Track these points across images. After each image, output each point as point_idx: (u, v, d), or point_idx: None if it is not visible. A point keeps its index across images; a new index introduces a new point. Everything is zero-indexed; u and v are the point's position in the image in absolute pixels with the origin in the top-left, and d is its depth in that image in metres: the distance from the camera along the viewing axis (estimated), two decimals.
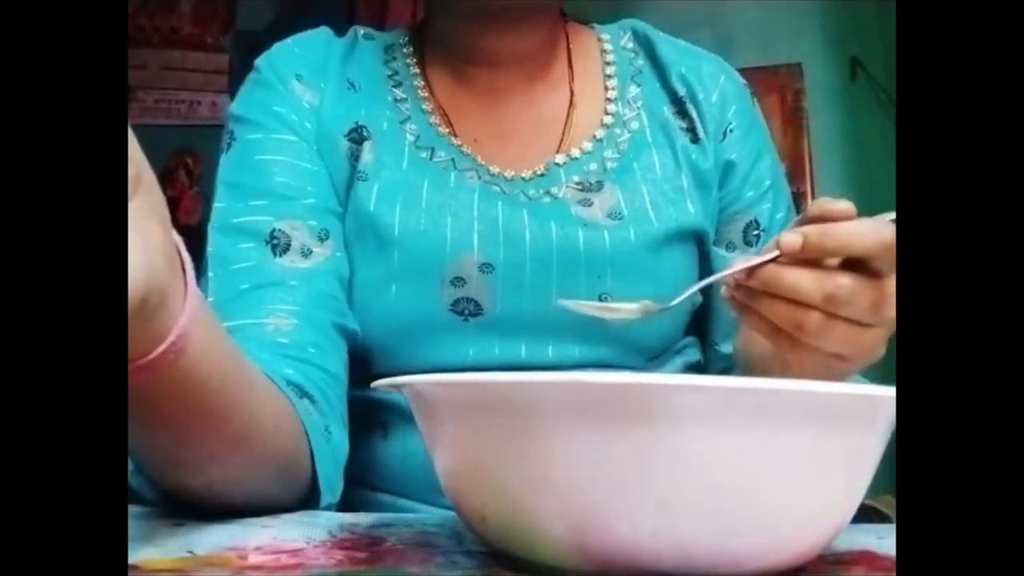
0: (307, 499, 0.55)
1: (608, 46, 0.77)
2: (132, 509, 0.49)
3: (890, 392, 0.33)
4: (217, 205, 0.67)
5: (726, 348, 0.73)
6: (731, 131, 0.74)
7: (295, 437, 0.53)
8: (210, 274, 0.63)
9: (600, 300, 0.66)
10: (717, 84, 0.75)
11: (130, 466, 0.50)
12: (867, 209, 0.78)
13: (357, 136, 0.70)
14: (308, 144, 0.69)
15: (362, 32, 0.77)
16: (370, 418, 0.69)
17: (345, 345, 0.65)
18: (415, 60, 0.75)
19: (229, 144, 0.69)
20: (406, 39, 0.77)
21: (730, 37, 2.36)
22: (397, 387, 0.40)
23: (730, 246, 0.73)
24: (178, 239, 0.37)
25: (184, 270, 0.37)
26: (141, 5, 2.47)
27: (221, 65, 2.52)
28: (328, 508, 0.56)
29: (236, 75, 2.54)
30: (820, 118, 2.38)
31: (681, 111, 0.74)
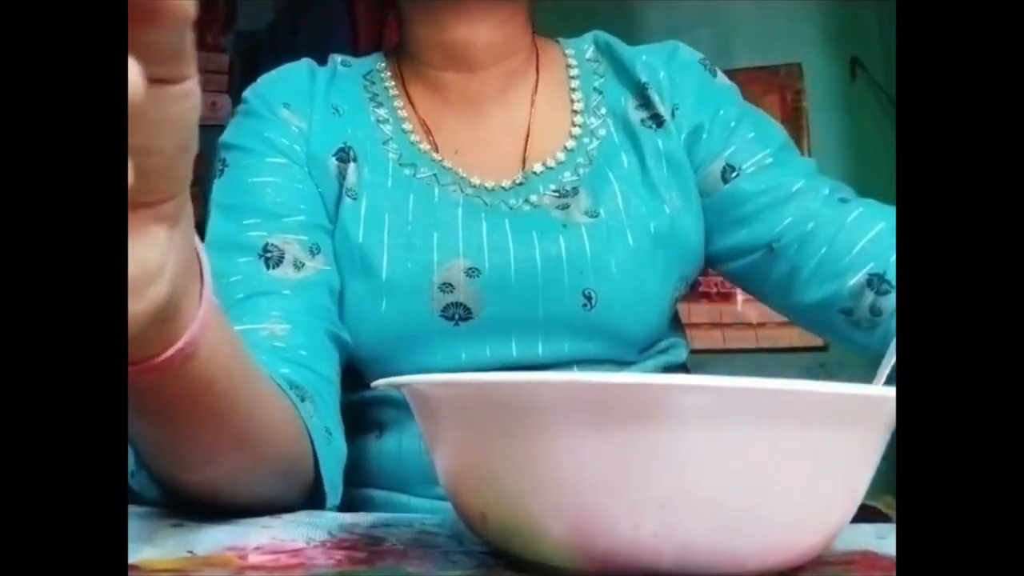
0: (309, 500, 0.55)
1: (572, 60, 0.80)
2: (132, 509, 0.49)
3: (890, 392, 0.33)
4: (211, 225, 0.69)
5: (811, 297, 0.70)
6: (686, 100, 0.76)
7: (298, 438, 0.54)
8: None
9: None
10: (671, 60, 0.78)
11: (129, 467, 0.51)
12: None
13: (344, 156, 0.73)
14: (299, 166, 0.72)
15: (340, 60, 0.80)
16: (365, 419, 0.71)
17: (337, 353, 0.66)
18: (394, 83, 0.78)
19: (221, 171, 0.71)
20: (383, 64, 0.80)
21: (730, 37, 2.36)
22: (397, 387, 0.40)
23: (708, 194, 0.74)
24: (198, 244, 0.38)
25: (202, 275, 0.38)
26: None
27: (221, 65, 2.51)
28: (331, 509, 0.56)
29: (236, 75, 2.54)
30: (820, 118, 2.39)
31: (644, 101, 0.76)
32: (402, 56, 0.79)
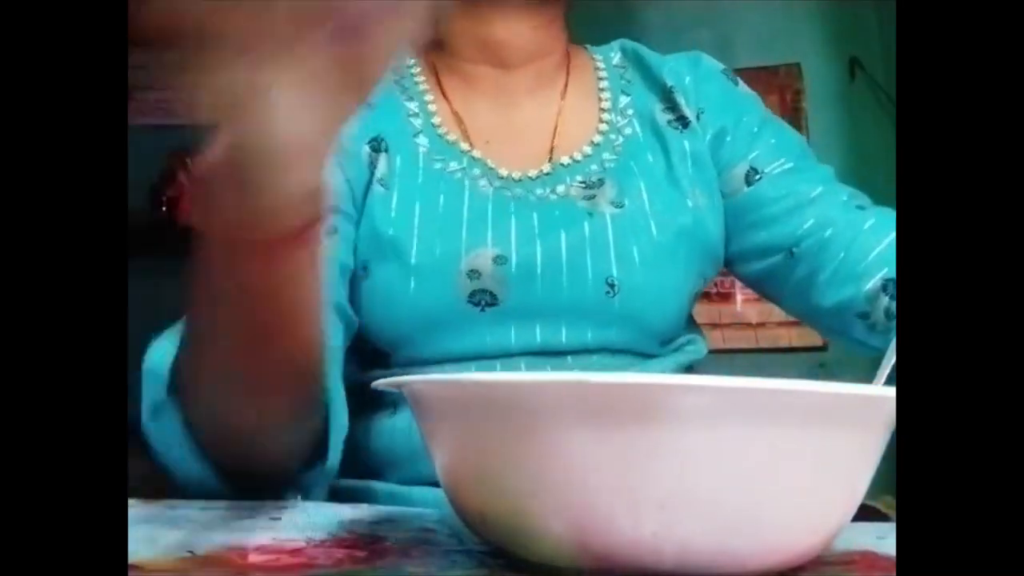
0: (311, 461, 0.57)
1: (601, 64, 0.83)
2: (132, 509, 0.49)
3: (890, 392, 0.33)
4: None
5: (829, 301, 0.73)
6: (711, 105, 0.79)
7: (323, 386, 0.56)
8: None
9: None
10: (696, 67, 0.81)
11: (150, 402, 0.52)
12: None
13: (376, 146, 0.74)
14: None
15: None
16: (382, 397, 0.72)
17: (342, 327, 0.68)
18: (424, 78, 0.80)
19: None
20: (411, 61, 0.82)
21: (730, 37, 2.36)
22: (397, 387, 0.40)
23: (730, 195, 0.77)
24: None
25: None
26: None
27: None
28: (326, 479, 0.58)
29: None
30: (819, 118, 2.38)
31: (670, 104, 0.79)
32: (436, 51, 0.81)
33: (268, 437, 0.52)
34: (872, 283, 0.70)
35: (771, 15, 2.39)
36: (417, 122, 0.77)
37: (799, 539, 0.36)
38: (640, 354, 0.73)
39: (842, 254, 0.72)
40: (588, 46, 0.85)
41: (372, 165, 0.73)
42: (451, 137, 0.76)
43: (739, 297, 2.27)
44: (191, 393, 0.51)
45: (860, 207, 0.74)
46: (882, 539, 0.44)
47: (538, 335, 0.70)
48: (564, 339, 0.71)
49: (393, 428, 0.72)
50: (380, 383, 0.41)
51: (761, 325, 2.26)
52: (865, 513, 0.40)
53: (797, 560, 0.36)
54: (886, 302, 0.69)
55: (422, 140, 0.76)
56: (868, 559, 0.41)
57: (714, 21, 2.36)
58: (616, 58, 0.83)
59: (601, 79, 0.81)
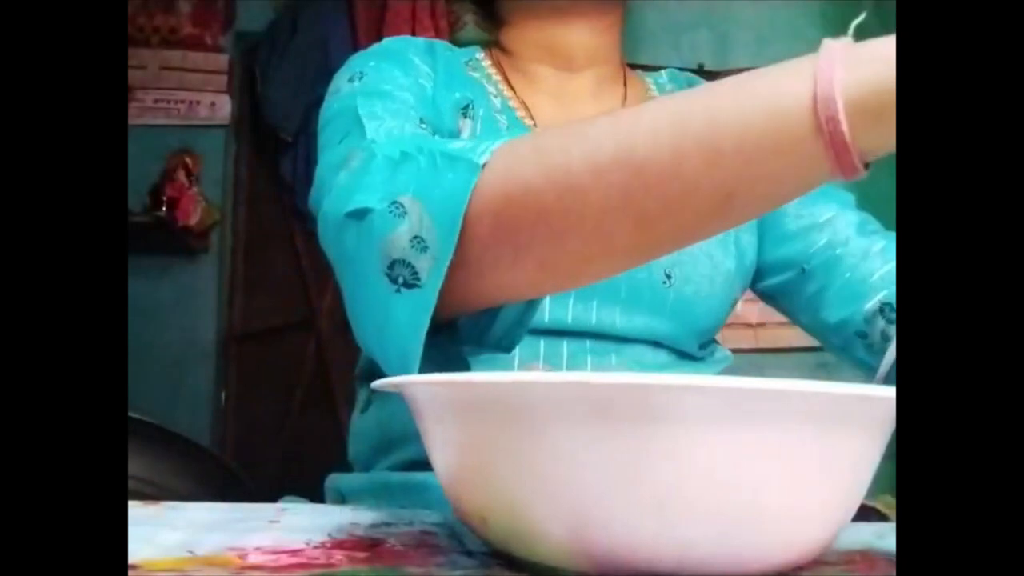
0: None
1: (652, 84, 0.87)
2: (132, 509, 0.49)
3: (890, 392, 0.33)
4: (363, 107, 0.68)
5: (833, 317, 0.76)
6: None
7: None
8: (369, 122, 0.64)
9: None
10: None
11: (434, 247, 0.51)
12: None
13: (464, 112, 0.76)
14: (426, 98, 0.74)
15: (441, 44, 0.84)
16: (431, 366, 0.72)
17: None
18: (495, 70, 0.82)
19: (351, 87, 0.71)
20: (481, 55, 0.84)
21: (730, 37, 2.36)
22: (396, 387, 0.40)
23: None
24: None
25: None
26: (141, 5, 2.46)
27: (220, 65, 2.51)
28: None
29: (236, 75, 2.54)
30: None
31: None
32: (500, 51, 0.84)
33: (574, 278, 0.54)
34: (871, 304, 0.73)
35: (771, 15, 2.39)
36: (497, 101, 0.79)
37: (799, 539, 0.36)
38: (681, 353, 0.76)
39: (848, 274, 0.75)
40: (640, 72, 0.88)
41: (459, 131, 0.75)
42: (527, 122, 0.78)
43: None
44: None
45: (873, 232, 0.78)
46: (882, 539, 0.44)
47: (594, 316, 0.72)
48: (618, 323, 0.73)
49: None
50: (379, 383, 0.41)
51: (761, 325, 2.26)
52: (865, 513, 0.40)
53: (797, 560, 0.36)
54: (883, 324, 0.72)
55: (501, 119, 0.78)
56: (868, 559, 0.41)
57: (714, 21, 2.36)
58: (666, 81, 0.87)
59: (653, 96, 0.83)
